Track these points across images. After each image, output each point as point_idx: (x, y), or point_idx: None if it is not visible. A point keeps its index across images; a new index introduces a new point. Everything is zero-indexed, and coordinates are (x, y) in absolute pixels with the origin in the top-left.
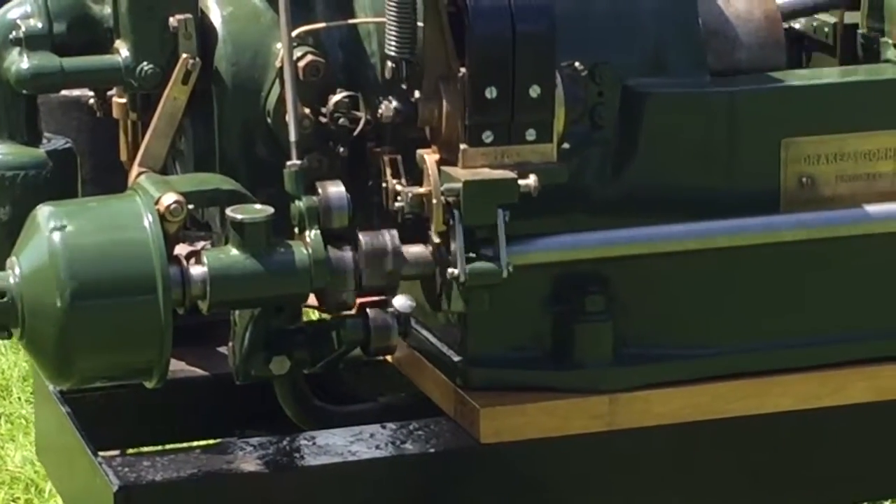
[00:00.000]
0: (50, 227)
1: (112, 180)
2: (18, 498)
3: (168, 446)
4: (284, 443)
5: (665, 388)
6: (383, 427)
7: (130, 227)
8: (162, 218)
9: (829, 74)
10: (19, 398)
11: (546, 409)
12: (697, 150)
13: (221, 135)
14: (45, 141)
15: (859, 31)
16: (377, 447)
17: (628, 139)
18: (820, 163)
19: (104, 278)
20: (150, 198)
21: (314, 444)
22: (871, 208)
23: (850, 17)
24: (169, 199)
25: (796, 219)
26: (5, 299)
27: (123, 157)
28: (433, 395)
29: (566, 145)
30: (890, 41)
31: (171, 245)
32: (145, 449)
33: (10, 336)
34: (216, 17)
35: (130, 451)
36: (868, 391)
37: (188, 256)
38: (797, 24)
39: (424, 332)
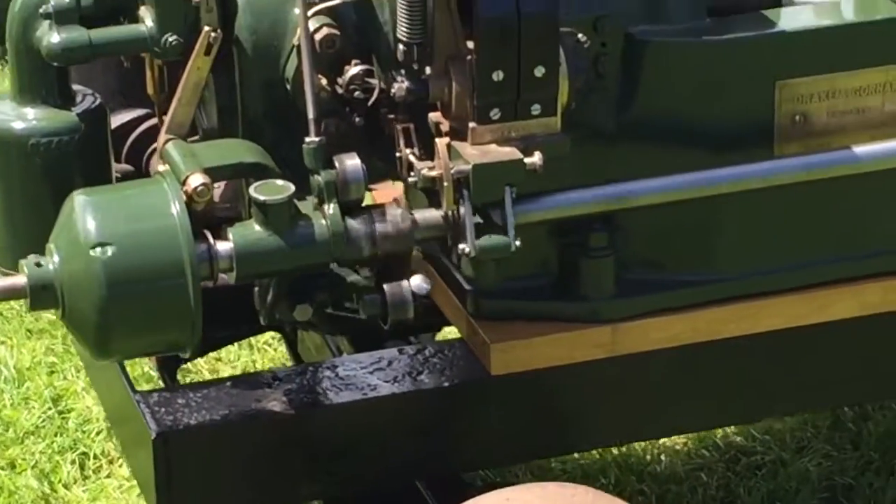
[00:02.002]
0: (84, 217)
1: (139, 94)
2: None
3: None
4: (308, 376)
5: (664, 315)
6: (401, 352)
7: (160, 216)
8: (189, 199)
9: (822, 14)
10: None
11: (552, 341)
12: (696, 94)
13: (244, 94)
14: (78, 98)
15: None
16: (395, 379)
17: (630, 85)
18: (812, 101)
19: (138, 266)
20: (177, 183)
21: (336, 375)
22: (860, 150)
23: None
24: (195, 181)
25: (788, 164)
26: (45, 282)
27: (150, 91)
28: (447, 314)
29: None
30: None
31: (199, 222)
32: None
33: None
34: None
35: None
36: (853, 307)
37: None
38: None
39: (440, 254)
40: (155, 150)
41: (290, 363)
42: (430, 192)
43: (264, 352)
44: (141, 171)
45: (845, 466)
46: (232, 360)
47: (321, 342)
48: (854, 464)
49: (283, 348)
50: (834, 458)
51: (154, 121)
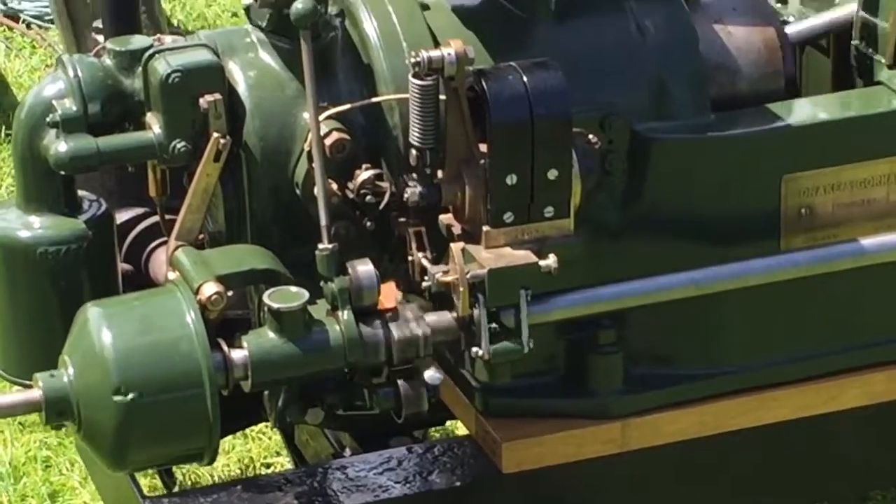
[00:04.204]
0: (99, 329)
1: (135, 192)
2: None
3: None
4: (318, 479)
5: (672, 409)
6: (409, 451)
7: (174, 327)
8: (203, 307)
9: (825, 108)
10: None
11: (562, 438)
12: (702, 189)
13: (252, 198)
14: (84, 204)
15: (853, 42)
16: (406, 480)
17: (637, 181)
18: (818, 193)
19: (153, 377)
20: (190, 292)
21: (346, 477)
22: (865, 243)
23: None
24: (209, 289)
25: (793, 259)
26: (60, 395)
27: (152, 193)
28: (456, 411)
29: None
30: (883, 61)
31: (213, 330)
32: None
33: (61, 427)
34: (243, 89)
35: None
36: (860, 397)
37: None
38: (791, 18)
39: (447, 352)
40: (154, 249)
41: (284, 452)
42: (439, 295)
43: (259, 441)
44: (140, 270)
45: None
46: (226, 449)
47: (317, 431)
48: None
49: (277, 437)
50: None
51: (153, 219)
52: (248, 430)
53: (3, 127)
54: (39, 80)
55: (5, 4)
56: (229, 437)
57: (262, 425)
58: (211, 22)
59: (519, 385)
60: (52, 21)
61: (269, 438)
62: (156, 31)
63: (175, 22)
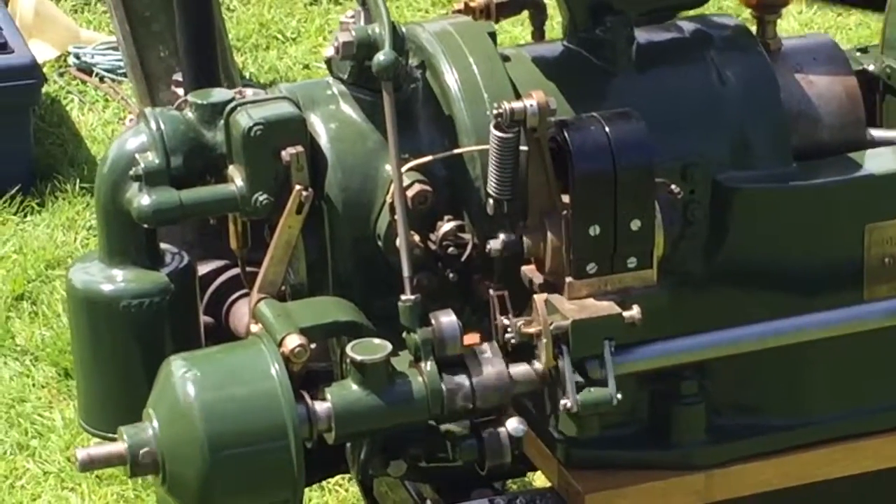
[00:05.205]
0: (183, 382)
1: (215, 245)
2: None
3: None
4: None
5: (757, 459)
6: (491, 503)
7: (259, 379)
8: (286, 359)
9: None
10: None
11: (645, 490)
12: (785, 238)
13: (334, 250)
14: (166, 257)
15: None
16: None
17: (719, 231)
18: None
19: (239, 429)
20: (274, 344)
21: None
22: None
23: None
24: (292, 342)
25: (878, 308)
26: (146, 450)
27: (233, 245)
28: (537, 463)
29: None
30: None
31: (297, 382)
32: None
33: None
34: (325, 141)
35: None
36: None
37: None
38: (871, 67)
39: (528, 403)
40: (235, 301)
41: None
42: (522, 346)
43: (336, 493)
44: (220, 322)
45: None
46: (304, 502)
47: (396, 482)
48: None
49: (354, 489)
50: None
51: (233, 272)
52: (325, 482)
53: (78, 180)
54: (113, 134)
55: (78, 59)
56: (306, 490)
57: (338, 477)
58: (283, 74)
59: (601, 436)
60: (124, 74)
61: (347, 490)
62: (230, 84)
63: (247, 75)
